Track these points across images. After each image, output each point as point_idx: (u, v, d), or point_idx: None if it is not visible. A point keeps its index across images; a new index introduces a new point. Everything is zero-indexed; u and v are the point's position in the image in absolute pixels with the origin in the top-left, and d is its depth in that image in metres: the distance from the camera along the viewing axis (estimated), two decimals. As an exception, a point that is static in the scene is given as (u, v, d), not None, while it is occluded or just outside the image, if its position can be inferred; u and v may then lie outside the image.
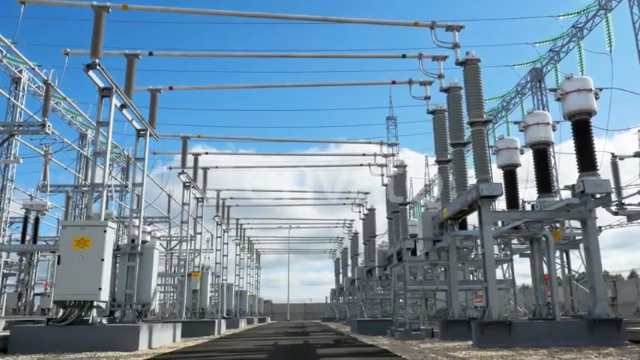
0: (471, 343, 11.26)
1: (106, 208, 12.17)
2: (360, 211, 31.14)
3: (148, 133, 14.39)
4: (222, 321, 21.46)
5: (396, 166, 20.18)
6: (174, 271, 28.65)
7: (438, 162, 14.51)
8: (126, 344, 10.13)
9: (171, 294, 28.85)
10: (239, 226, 36.77)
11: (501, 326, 10.51)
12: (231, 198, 30.37)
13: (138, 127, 14.18)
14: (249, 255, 43.87)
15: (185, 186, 19.95)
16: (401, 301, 15.28)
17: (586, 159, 11.37)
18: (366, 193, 29.50)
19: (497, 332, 10.39)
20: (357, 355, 9.77)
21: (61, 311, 10.66)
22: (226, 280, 29.21)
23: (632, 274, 46.06)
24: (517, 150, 14.73)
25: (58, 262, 10.58)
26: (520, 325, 10.82)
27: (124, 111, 13.20)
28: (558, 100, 12.03)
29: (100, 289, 10.35)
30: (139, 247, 13.11)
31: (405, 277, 14.36)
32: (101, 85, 11.74)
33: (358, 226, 33.40)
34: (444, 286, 14.48)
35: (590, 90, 11.50)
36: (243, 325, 29.47)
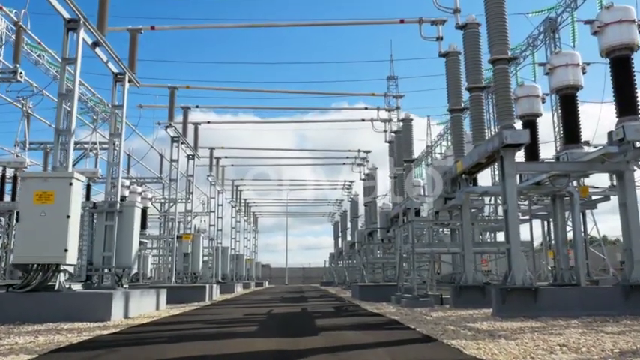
0: (486, 310, 10.29)
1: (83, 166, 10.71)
2: (360, 172, 29.77)
3: (127, 77, 12.82)
4: (216, 286, 20.08)
5: (401, 120, 18.64)
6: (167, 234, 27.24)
7: (451, 110, 12.98)
8: (97, 314, 8.82)
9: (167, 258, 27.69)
10: (234, 187, 35.40)
11: (526, 293, 9.34)
12: (226, 157, 28.86)
13: (115, 70, 12.60)
14: (245, 218, 42.47)
15: (174, 141, 18.38)
16: (406, 265, 14.02)
17: (626, 101, 9.88)
18: (368, 152, 28.00)
19: (520, 300, 9.28)
20: (362, 328, 8.07)
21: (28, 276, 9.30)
22: (221, 243, 27.99)
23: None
24: (538, 98, 13.22)
25: (17, 220, 9.18)
26: (547, 292, 9.52)
27: (98, 50, 11.61)
28: (547, 74, 12.02)
29: (67, 250, 8.97)
30: (118, 205, 11.73)
31: (411, 238, 12.95)
32: (66, 15, 10.11)
33: (359, 189, 32.10)
34: (455, 248, 13.16)
35: (634, 21, 9.92)
36: (238, 290, 27.82)
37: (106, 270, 11.33)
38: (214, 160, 26.78)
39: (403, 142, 18.46)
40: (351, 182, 35.45)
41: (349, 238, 34.55)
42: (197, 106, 19.89)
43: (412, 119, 18.45)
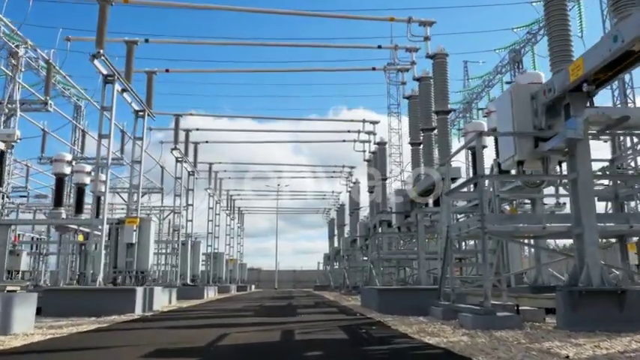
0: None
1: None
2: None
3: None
4: (165, 290, 15.81)
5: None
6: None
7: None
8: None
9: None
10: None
11: (608, 298, 7.03)
12: (225, 171, 31.64)
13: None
14: (228, 211, 38.19)
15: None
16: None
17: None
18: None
19: (598, 307, 7.00)
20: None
21: None
22: (193, 238, 26.60)
23: None
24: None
25: None
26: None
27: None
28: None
29: None
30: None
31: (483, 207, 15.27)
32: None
33: (358, 174, 31.23)
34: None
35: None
36: (210, 295, 22.75)
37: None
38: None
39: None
40: (352, 168, 32.16)
41: (346, 235, 33.59)
42: (197, 129, 22.87)
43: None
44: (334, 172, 32.62)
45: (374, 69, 16.52)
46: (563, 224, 7.74)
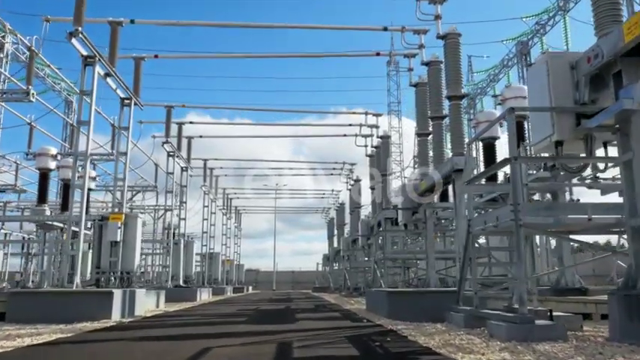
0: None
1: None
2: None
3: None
4: (148, 293, 14.40)
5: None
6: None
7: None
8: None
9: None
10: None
11: None
12: (221, 167, 30.52)
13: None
14: (224, 211, 37.31)
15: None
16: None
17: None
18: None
19: None
20: None
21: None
22: (189, 239, 25.56)
23: None
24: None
25: None
26: None
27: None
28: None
29: None
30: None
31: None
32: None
33: (359, 171, 30.60)
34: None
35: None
36: (203, 298, 21.46)
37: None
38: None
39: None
40: (352, 165, 31.10)
41: (346, 235, 32.61)
42: (191, 122, 21.65)
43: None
44: (334, 168, 31.42)
45: (378, 54, 15.36)
46: (612, 216, 6.41)
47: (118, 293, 10.53)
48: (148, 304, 13.65)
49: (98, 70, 12.21)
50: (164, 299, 15.17)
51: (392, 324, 8.68)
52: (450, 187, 13.20)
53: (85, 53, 11.82)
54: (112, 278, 13.28)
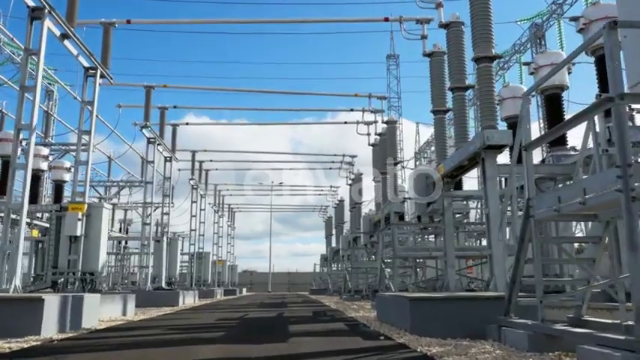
0: None
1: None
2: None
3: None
4: (127, 298, 12.57)
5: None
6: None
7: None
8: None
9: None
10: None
11: None
12: (211, 160, 28.34)
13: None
14: (216, 208, 35.45)
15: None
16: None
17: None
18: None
19: None
20: None
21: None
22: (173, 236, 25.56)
23: None
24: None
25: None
26: None
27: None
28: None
29: None
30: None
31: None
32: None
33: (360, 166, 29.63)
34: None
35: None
36: (187, 302, 18.84)
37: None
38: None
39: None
40: (353, 157, 29.22)
41: (344, 232, 31.02)
42: (175, 107, 19.37)
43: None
44: (333, 162, 29.22)
45: (387, 20, 13.18)
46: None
47: (52, 300, 7.86)
48: (108, 312, 11.33)
49: (49, 26, 10.02)
50: (133, 305, 12.83)
51: (419, 342, 6.32)
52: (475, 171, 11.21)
53: (31, 4, 9.64)
54: (75, 280, 11.18)
